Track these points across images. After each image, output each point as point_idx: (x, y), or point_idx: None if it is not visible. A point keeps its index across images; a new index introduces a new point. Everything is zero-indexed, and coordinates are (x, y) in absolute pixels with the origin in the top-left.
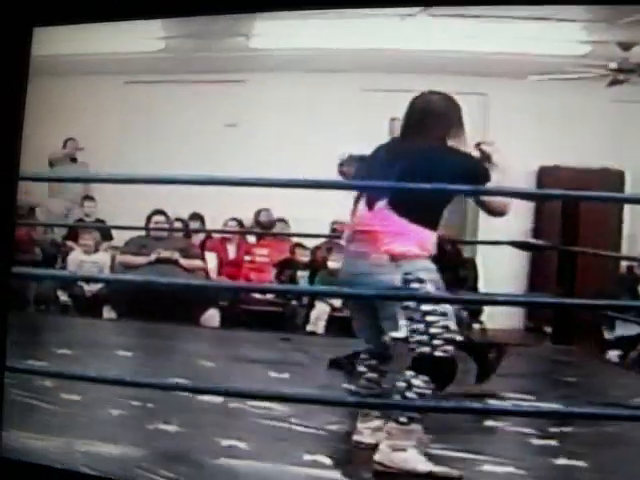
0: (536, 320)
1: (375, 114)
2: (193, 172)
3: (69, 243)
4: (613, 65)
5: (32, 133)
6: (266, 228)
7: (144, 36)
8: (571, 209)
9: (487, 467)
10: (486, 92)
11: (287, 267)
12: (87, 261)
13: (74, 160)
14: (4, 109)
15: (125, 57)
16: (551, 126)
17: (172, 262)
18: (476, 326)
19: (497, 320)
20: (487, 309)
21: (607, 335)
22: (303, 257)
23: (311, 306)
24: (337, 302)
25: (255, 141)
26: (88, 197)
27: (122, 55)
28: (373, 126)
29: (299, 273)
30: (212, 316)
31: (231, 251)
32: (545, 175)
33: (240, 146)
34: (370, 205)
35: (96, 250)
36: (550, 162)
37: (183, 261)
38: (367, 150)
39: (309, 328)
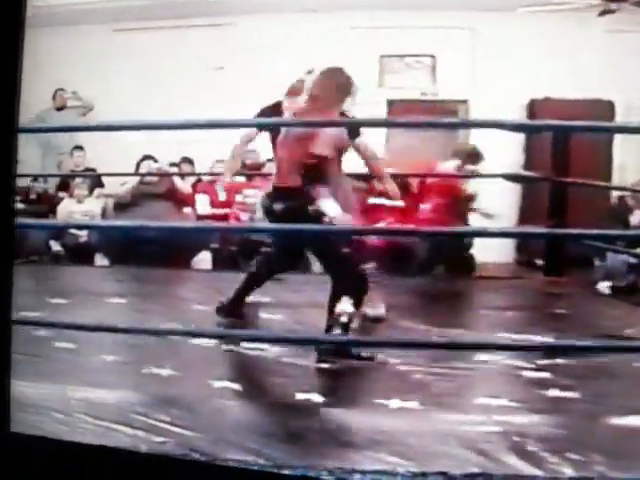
0: (527, 253)
1: (365, 52)
2: (182, 116)
3: (60, 194)
4: None
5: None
6: (254, 169)
7: None
8: (561, 141)
9: (481, 400)
10: (475, 26)
11: None
12: (77, 211)
13: (60, 109)
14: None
15: (112, 5)
16: (541, 58)
17: (163, 196)
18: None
19: (488, 254)
20: (478, 243)
21: (598, 266)
22: None
23: None
24: None
25: (242, 84)
26: (77, 147)
27: (109, 3)
28: (363, 63)
29: None
30: (204, 259)
31: (221, 193)
32: (536, 107)
33: (228, 89)
34: None
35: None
36: (540, 94)
37: (179, 182)
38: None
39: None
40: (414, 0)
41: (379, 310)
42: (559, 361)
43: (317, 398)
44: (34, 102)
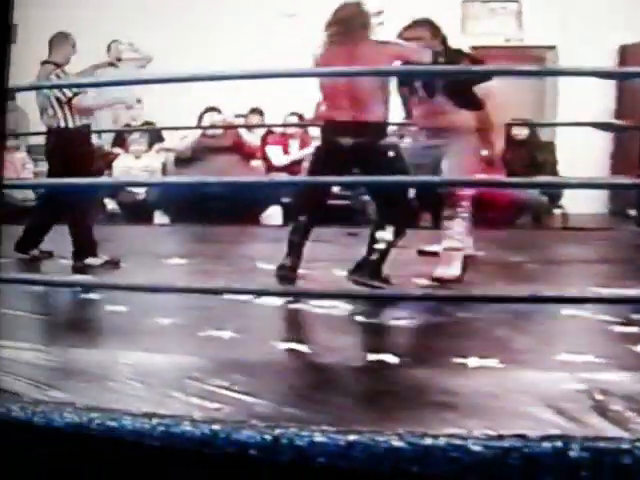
0: (621, 203)
1: None
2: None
3: (116, 150)
4: None
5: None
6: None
7: None
8: None
9: (565, 357)
10: None
11: None
12: (135, 167)
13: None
14: None
15: None
16: (632, 1)
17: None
18: (557, 211)
19: (580, 205)
20: (568, 194)
21: None
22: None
23: None
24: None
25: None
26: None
27: None
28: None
29: None
30: (274, 214)
31: (294, 147)
32: (627, 53)
33: (301, 37)
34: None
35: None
36: (632, 40)
37: (246, 134)
38: None
39: None
40: None
41: (450, 271)
42: None
43: (390, 358)
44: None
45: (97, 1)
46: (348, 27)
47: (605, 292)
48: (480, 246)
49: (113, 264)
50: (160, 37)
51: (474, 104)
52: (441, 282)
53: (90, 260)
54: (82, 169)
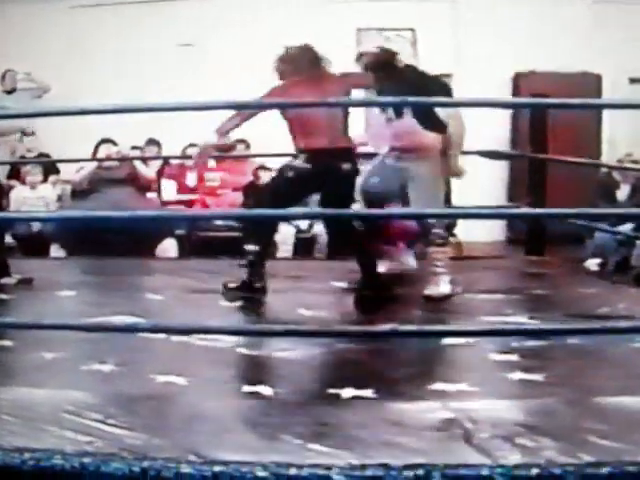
0: (517, 231)
1: (339, 24)
2: (147, 94)
3: (11, 182)
4: None
5: None
6: (224, 151)
7: None
8: (539, 116)
9: (437, 385)
10: None
11: (252, 191)
12: (31, 197)
13: (11, 92)
14: None
15: None
16: (526, 30)
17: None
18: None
19: (476, 233)
20: (464, 222)
21: (588, 244)
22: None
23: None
24: (303, 224)
25: (213, 60)
26: (26, 132)
27: None
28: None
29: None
30: (168, 247)
31: (191, 177)
32: (521, 81)
33: (197, 66)
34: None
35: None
36: (526, 67)
37: (141, 167)
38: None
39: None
40: None
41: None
42: (527, 343)
43: (265, 390)
44: None
45: None
46: (313, 64)
47: (488, 322)
48: None
49: (27, 282)
50: (57, 67)
51: (438, 126)
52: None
53: (4, 280)
54: None
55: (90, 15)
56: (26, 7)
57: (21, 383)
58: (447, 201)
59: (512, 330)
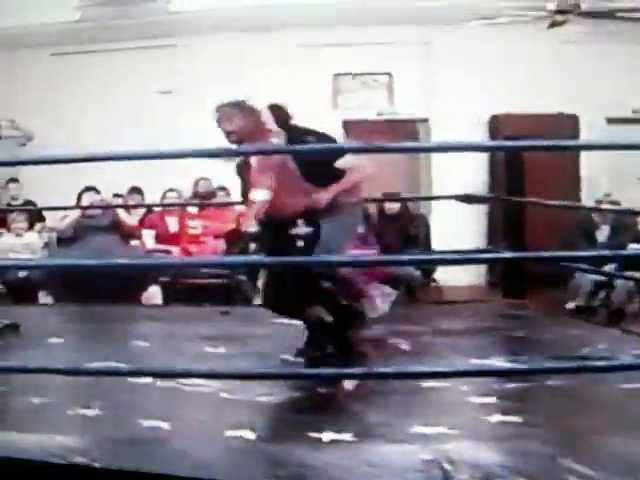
0: (497, 275)
1: (316, 70)
2: (127, 141)
3: None
4: (551, 6)
5: None
6: (205, 198)
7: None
8: (514, 159)
9: (417, 428)
10: (430, 40)
11: (234, 238)
12: (17, 244)
13: None
14: None
15: (46, 29)
16: (500, 72)
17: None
18: (431, 284)
19: (457, 276)
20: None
21: (571, 284)
22: (250, 227)
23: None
24: None
25: (192, 107)
26: (12, 179)
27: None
28: (315, 81)
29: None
30: (154, 294)
31: (172, 224)
32: (497, 123)
33: (176, 113)
34: None
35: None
36: (502, 110)
37: (123, 215)
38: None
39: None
40: (365, 15)
41: None
42: (506, 385)
43: (248, 434)
44: None
45: None
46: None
47: (465, 364)
48: None
49: (13, 328)
50: (40, 115)
51: (337, 180)
52: None
53: None
54: None
55: (70, 62)
56: (7, 54)
57: (10, 427)
58: (427, 246)
59: (489, 371)
